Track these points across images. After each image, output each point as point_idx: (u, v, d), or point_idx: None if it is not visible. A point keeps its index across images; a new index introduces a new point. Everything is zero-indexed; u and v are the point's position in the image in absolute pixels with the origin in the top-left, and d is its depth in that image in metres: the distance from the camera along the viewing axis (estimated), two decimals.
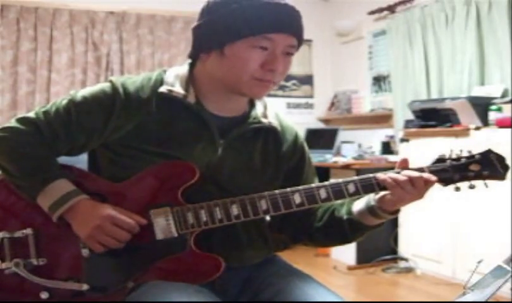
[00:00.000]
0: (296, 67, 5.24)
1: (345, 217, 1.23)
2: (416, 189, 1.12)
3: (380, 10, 4.54)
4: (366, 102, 4.88)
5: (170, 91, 1.19)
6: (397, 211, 1.19)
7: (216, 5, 1.15)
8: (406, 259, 3.79)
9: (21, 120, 1.19)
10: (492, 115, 3.25)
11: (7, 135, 1.17)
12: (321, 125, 5.34)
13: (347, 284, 3.63)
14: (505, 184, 1.24)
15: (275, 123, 1.29)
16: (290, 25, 1.15)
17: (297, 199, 1.15)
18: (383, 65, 4.72)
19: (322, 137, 4.83)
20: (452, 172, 1.16)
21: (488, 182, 1.17)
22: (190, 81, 1.22)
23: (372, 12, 4.63)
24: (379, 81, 4.79)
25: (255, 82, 1.16)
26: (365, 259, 3.89)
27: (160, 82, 1.22)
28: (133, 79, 1.22)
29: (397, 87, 4.39)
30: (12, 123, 1.19)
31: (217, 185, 1.19)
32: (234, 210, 1.14)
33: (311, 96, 5.40)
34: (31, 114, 1.19)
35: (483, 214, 3.16)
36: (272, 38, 1.13)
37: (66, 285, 1.14)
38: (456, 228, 3.38)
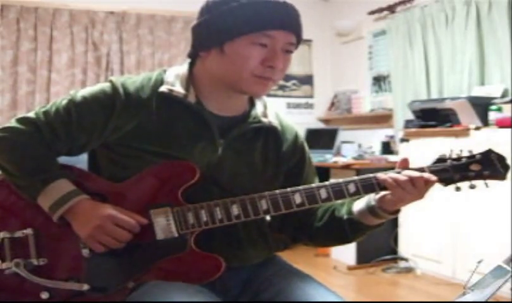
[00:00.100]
0: (296, 67, 5.24)
1: (345, 217, 1.23)
2: (416, 189, 1.12)
3: (380, 10, 4.54)
4: (366, 102, 4.88)
5: (170, 90, 1.19)
6: (397, 211, 1.19)
7: (215, 4, 1.15)
8: (406, 259, 3.78)
9: (21, 120, 1.19)
10: (492, 115, 3.25)
11: (7, 135, 1.17)
12: (321, 125, 5.34)
13: (347, 284, 3.62)
14: (506, 184, 1.24)
15: (275, 123, 1.29)
16: (289, 22, 1.15)
17: (297, 199, 1.15)
18: (383, 65, 4.72)
19: (322, 137, 4.83)
20: (452, 171, 1.16)
21: (488, 182, 1.17)
22: (190, 80, 1.22)
23: (372, 12, 4.63)
24: (379, 81, 4.79)
25: (255, 79, 1.16)
26: (365, 259, 3.89)
27: (160, 82, 1.22)
28: (133, 79, 1.22)
29: (397, 87, 4.39)
30: (12, 123, 1.19)
31: (217, 185, 1.19)
32: (235, 210, 1.14)
33: (311, 96, 5.39)
34: (31, 114, 1.19)
35: (483, 214, 3.16)
36: (271, 35, 1.13)
37: (67, 285, 1.14)
38: (456, 228, 3.38)
